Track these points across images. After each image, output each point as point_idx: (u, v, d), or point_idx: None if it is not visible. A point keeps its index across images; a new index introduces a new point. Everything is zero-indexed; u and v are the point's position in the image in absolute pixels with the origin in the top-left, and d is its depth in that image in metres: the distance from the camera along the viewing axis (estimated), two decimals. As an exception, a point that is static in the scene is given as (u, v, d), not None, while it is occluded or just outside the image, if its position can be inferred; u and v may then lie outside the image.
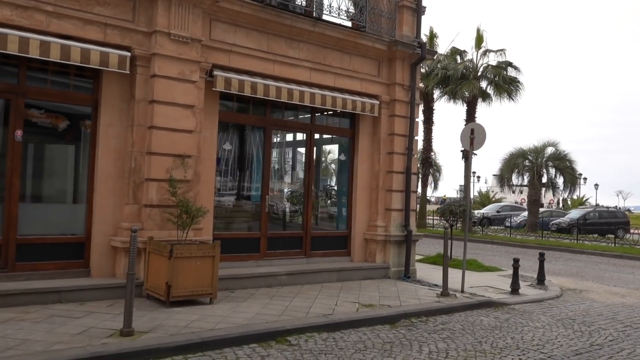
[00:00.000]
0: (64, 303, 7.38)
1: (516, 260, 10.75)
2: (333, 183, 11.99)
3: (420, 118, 11.84)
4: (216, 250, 7.85)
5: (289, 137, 11.13)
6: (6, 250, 7.58)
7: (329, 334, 7.04)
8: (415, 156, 11.79)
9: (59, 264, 7.96)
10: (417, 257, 14.97)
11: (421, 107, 29.23)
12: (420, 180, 31.00)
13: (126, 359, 5.64)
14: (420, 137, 28.33)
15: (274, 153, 10.78)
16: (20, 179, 7.71)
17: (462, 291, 10.05)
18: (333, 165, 11.93)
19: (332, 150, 11.94)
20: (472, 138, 10.27)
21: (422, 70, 28.80)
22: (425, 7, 11.79)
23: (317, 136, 11.34)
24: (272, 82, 9.67)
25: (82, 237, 8.19)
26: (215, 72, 8.98)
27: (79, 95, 8.20)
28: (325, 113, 11.24)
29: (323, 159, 11.89)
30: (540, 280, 11.87)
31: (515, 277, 10.66)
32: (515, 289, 10.58)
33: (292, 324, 7.04)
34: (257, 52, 9.57)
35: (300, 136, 11.03)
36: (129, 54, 8.05)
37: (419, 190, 30.49)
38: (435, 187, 61.39)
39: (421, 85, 12.05)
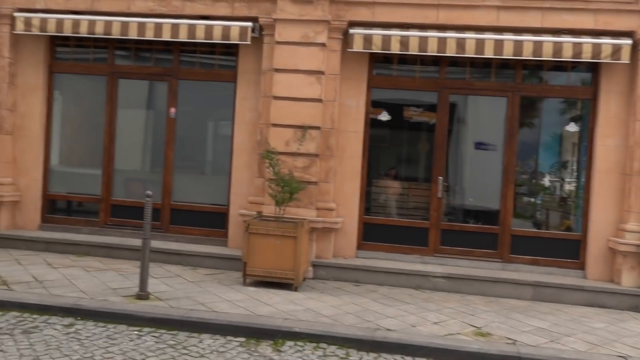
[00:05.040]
0: (183, 265, 7.93)
1: None
2: (556, 165, 8.51)
3: None
4: (298, 231, 6.86)
5: (486, 102, 8.52)
6: (162, 214, 8.65)
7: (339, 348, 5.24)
8: None
9: (203, 231, 8.54)
10: None
11: None
12: None
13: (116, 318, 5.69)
14: None
15: (457, 125, 8.48)
16: (173, 151, 8.67)
17: None
18: (557, 140, 8.46)
19: (556, 119, 8.48)
20: None
21: None
22: None
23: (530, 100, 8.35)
24: (434, 33, 7.68)
25: (224, 208, 8.53)
26: (352, 31, 7.79)
27: (222, 72, 8.56)
28: (545, 67, 8.11)
29: (539, 130, 8.59)
30: None
31: None
32: None
33: (300, 326, 5.52)
34: (413, -2, 7.80)
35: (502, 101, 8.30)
36: (250, 24, 7.91)
37: None
38: None
39: None
